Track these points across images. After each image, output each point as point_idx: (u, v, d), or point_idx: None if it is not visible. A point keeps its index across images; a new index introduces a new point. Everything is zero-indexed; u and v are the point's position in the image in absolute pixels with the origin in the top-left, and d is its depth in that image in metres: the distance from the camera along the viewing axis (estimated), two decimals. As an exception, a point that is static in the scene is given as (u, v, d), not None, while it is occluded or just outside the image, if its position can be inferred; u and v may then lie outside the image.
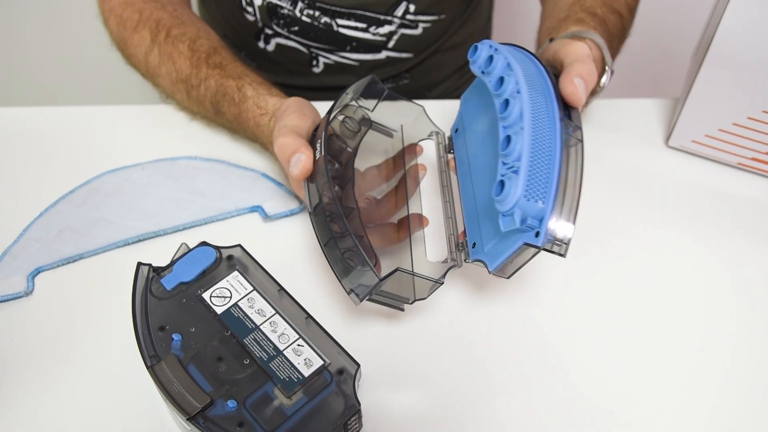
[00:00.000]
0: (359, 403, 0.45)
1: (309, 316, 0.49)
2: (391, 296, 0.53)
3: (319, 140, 0.54)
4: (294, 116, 0.57)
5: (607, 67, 0.62)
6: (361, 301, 0.51)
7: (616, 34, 0.68)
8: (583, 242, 0.62)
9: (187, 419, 0.43)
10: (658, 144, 0.73)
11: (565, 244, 0.46)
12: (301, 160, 0.53)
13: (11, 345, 0.55)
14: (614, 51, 0.69)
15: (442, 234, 0.58)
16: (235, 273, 0.51)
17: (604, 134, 0.73)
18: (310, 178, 0.54)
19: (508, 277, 0.50)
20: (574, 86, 0.51)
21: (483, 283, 0.59)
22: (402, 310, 0.54)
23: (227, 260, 0.52)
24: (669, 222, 0.65)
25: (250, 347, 0.47)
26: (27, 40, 1.48)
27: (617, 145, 0.72)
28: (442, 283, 0.52)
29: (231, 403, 0.44)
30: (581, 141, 0.50)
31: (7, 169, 0.68)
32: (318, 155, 0.53)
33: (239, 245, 0.53)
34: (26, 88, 1.53)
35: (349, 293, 0.51)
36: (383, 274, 0.50)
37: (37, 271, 0.60)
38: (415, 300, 0.53)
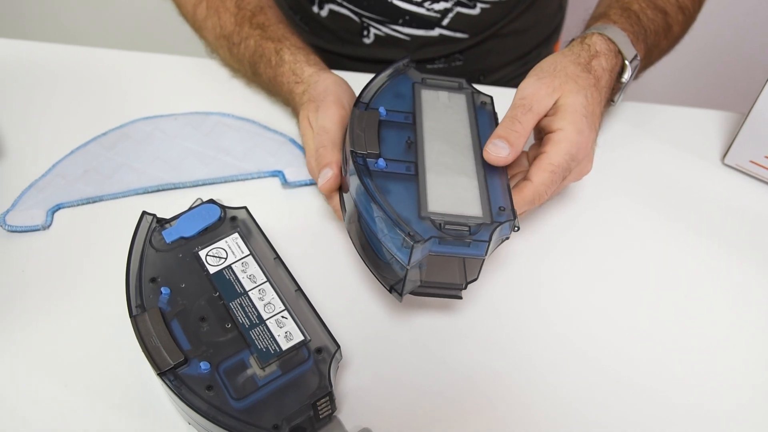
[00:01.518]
0: (331, 385, 0.44)
1: (299, 289, 0.48)
2: (439, 285, 0.49)
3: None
4: (331, 113, 0.56)
5: (627, 62, 0.59)
6: (403, 297, 0.48)
7: (656, 31, 0.64)
8: (620, 253, 0.59)
9: (158, 374, 0.43)
10: (713, 160, 0.67)
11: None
12: (328, 176, 0.52)
13: (21, 275, 0.56)
14: (657, 49, 0.66)
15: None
16: (236, 235, 0.50)
17: (654, 142, 0.68)
18: (343, 188, 0.53)
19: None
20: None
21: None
22: (460, 297, 0.50)
23: (231, 221, 0.52)
24: (714, 243, 0.60)
25: (235, 312, 0.46)
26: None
27: (668, 155, 0.67)
28: (489, 242, 0.46)
29: (204, 365, 0.44)
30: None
31: (48, 105, 0.70)
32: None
33: (245, 207, 0.52)
34: (91, 28, 1.57)
35: (390, 291, 0.49)
36: None
37: (58, 207, 0.61)
38: (468, 282, 0.49)
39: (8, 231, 0.59)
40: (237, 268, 0.49)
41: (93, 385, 0.50)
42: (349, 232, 0.53)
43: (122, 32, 1.48)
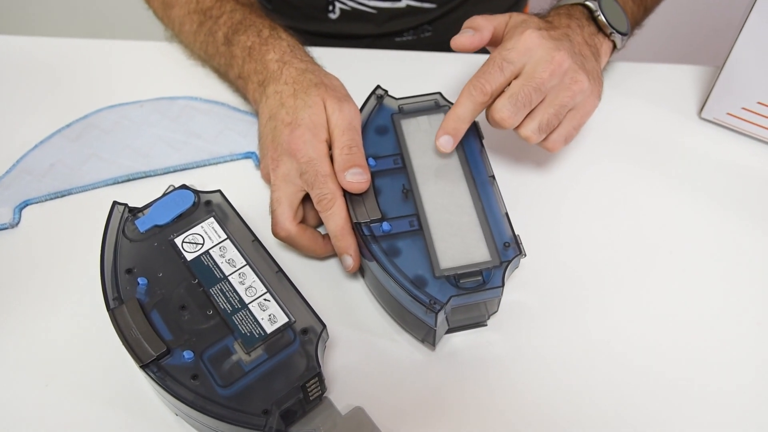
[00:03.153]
0: (320, 366, 0.43)
1: (280, 269, 0.47)
2: (465, 324, 0.51)
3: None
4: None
5: (610, 32, 0.58)
6: (435, 346, 0.50)
7: None
8: (605, 212, 0.58)
9: (140, 366, 0.42)
10: (690, 115, 0.67)
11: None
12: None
13: (-8, 276, 0.55)
14: (642, 10, 0.66)
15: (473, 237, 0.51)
16: (211, 219, 0.49)
17: (631, 100, 0.67)
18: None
19: None
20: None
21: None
22: (485, 325, 0.52)
23: (205, 205, 0.50)
24: (696, 196, 0.60)
25: (215, 298, 0.45)
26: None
27: (645, 113, 0.67)
28: (502, 286, 0.48)
29: (188, 354, 0.43)
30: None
31: (5, 100, 0.67)
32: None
33: (219, 191, 0.51)
34: (48, 17, 1.52)
35: (423, 342, 0.51)
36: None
37: (25, 204, 0.59)
38: (490, 315, 0.51)
39: (-26, 231, 0.57)
40: (215, 253, 0.47)
41: (75, 382, 0.49)
42: (369, 288, 0.54)
43: (75, 20, 1.44)
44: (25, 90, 0.68)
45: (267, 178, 0.56)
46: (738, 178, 0.61)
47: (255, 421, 0.40)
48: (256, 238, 0.48)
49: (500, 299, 0.50)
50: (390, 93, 0.57)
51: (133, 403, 0.48)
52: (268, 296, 0.45)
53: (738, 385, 0.49)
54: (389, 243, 0.49)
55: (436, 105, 0.57)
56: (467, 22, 0.56)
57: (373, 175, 0.52)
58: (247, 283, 0.46)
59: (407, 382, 0.49)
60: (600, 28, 0.59)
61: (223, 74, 0.64)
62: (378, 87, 0.57)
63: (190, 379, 0.42)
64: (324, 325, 0.44)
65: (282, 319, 0.44)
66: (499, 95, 0.52)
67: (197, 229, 0.48)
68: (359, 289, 0.54)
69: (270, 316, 0.44)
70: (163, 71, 0.69)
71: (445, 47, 0.86)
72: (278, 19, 0.62)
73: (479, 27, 0.55)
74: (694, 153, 0.64)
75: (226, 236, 0.48)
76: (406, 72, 0.70)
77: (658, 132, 0.65)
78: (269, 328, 0.44)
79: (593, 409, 0.48)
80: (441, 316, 0.47)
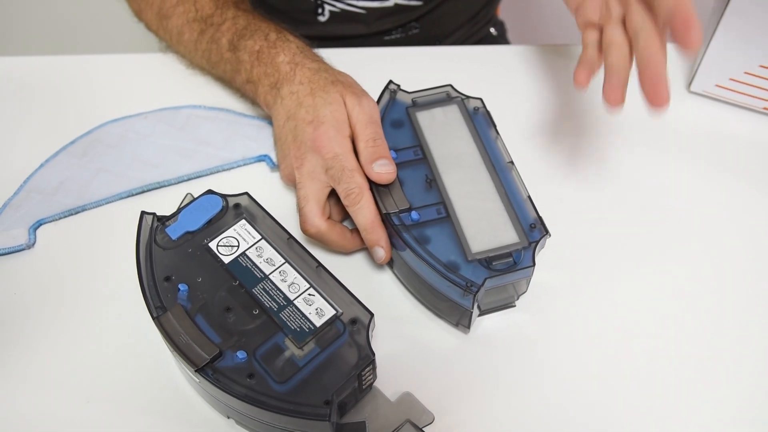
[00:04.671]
0: (373, 354, 0.43)
1: (320, 264, 0.47)
2: (495, 306, 0.53)
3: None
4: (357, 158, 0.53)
5: None
6: (470, 329, 0.51)
7: None
8: (602, 191, 0.60)
9: (195, 371, 0.42)
10: (679, 90, 0.70)
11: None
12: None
13: (14, 298, 0.54)
14: None
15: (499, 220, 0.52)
16: (243, 221, 0.49)
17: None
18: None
19: None
20: None
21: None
22: (514, 306, 0.53)
23: (234, 209, 0.50)
24: (691, 169, 0.62)
25: (260, 297, 0.45)
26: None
27: (635, 91, 0.69)
28: (534, 265, 0.49)
29: (240, 354, 0.43)
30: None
31: (7, 120, 0.66)
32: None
33: (246, 193, 0.51)
34: (26, 37, 1.49)
35: (456, 326, 0.52)
36: None
37: (39, 224, 0.58)
38: (519, 296, 0.53)
39: (-10, 255, 0.56)
40: (252, 253, 0.48)
41: (116, 396, 0.49)
42: (398, 277, 0.55)
43: (67, 37, 1.42)
44: (22, 110, 0.67)
45: (289, 179, 0.56)
46: (730, 145, 0.64)
47: (318, 411, 0.41)
48: (290, 236, 0.49)
49: (530, 279, 0.51)
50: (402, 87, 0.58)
51: (179, 411, 0.48)
52: (312, 291, 0.46)
53: None
54: (419, 231, 0.50)
55: (448, 96, 0.58)
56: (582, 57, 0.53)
57: (396, 166, 0.53)
58: (289, 280, 0.46)
59: (445, 365, 0.50)
60: None
61: (228, 81, 0.64)
62: (390, 82, 0.58)
63: (247, 378, 0.42)
64: (371, 314, 0.45)
65: (329, 312, 0.45)
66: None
67: (230, 232, 0.49)
68: (388, 280, 0.55)
69: (317, 310, 0.45)
70: (159, 82, 0.69)
71: (432, 42, 0.88)
72: (282, 23, 0.63)
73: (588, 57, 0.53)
74: (685, 125, 0.66)
75: (260, 236, 0.48)
76: (400, 68, 0.71)
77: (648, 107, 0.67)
78: (318, 322, 0.44)
79: (626, 385, 0.50)
80: (478, 298, 0.48)
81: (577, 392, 0.49)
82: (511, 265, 0.48)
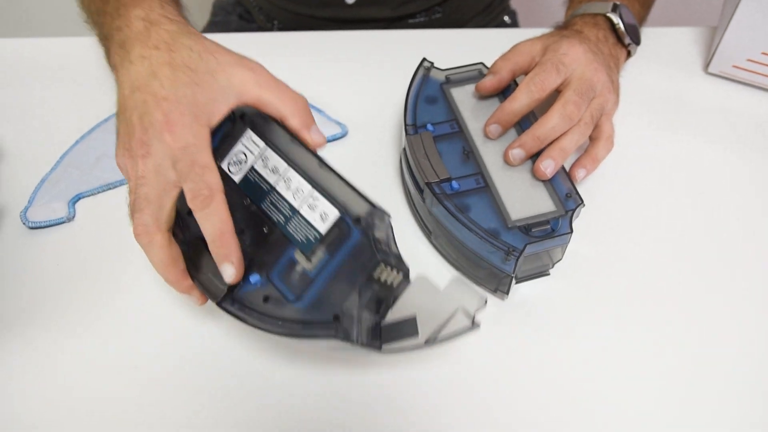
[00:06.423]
0: (390, 249, 0.41)
1: (322, 162, 0.43)
2: (532, 273, 0.54)
3: None
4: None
5: (627, 42, 0.62)
6: (508, 294, 0.53)
7: None
8: (622, 172, 0.62)
9: (217, 303, 0.42)
10: (696, 71, 0.72)
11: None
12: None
13: (57, 269, 0.54)
14: (646, 9, 0.69)
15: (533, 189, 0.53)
16: (248, 131, 0.46)
17: (641, 63, 0.72)
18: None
19: None
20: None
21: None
22: (548, 274, 0.55)
23: (241, 119, 0.47)
24: (710, 148, 0.64)
25: (268, 212, 0.44)
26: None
27: (655, 73, 0.71)
28: (572, 232, 0.50)
29: (254, 278, 0.43)
30: None
31: (45, 98, 0.67)
32: None
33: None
34: (64, 18, 1.50)
35: (495, 292, 0.54)
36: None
37: (78, 197, 0.59)
38: (554, 264, 0.54)
39: (31, 228, 0.56)
40: (258, 166, 0.45)
41: (160, 361, 0.49)
42: (436, 247, 0.56)
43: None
44: (61, 88, 0.68)
45: (126, 168, 0.44)
46: (747, 125, 0.66)
47: (327, 331, 0.40)
48: (294, 137, 0.45)
49: (566, 247, 0.53)
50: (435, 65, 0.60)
51: (229, 379, 0.49)
52: (315, 194, 0.43)
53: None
54: (459, 200, 0.51)
55: (480, 74, 0.59)
56: (490, 68, 0.57)
57: (434, 139, 0.54)
58: (293, 187, 0.44)
59: (484, 328, 0.52)
60: (619, 38, 0.62)
61: (97, 37, 0.53)
62: (424, 59, 0.59)
63: (263, 302, 0.41)
64: (377, 208, 0.41)
65: (333, 214, 0.42)
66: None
67: (238, 146, 0.46)
68: (426, 250, 0.56)
69: (321, 214, 0.42)
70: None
71: (454, 26, 0.89)
72: (293, 8, 0.61)
73: (497, 70, 0.56)
74: (702, 105, 0.68)
75: (264, 144, 0.45)
76: (425, 50, 0.72)
77: (669, 89, 0.69)
78: (323, 228, 0.42)
79: (659, 352, 0.51)
80: (520, 263, 0.49)
81: (609, 358, 0.50)
82: (549, 233, 0.50)
